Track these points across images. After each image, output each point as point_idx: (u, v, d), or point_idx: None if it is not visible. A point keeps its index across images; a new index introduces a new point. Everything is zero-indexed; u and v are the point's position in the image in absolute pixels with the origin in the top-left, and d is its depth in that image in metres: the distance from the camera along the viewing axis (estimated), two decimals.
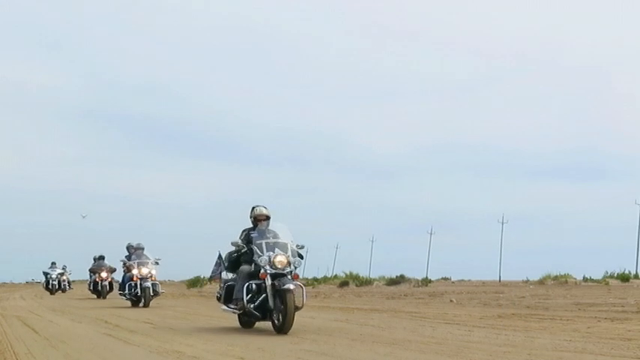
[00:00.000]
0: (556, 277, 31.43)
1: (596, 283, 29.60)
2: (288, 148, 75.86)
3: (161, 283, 19.29)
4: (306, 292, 9.84)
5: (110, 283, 26.12)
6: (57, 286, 32.16)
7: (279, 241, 10.11)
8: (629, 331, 9.19)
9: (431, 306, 16.45)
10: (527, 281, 33.94)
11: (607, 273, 31.76)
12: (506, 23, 71.27)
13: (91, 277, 26.74)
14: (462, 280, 43.55)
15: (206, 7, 72.12)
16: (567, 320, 11.06)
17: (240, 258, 10.49)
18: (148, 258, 18.87)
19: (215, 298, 11.45)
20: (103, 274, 25.87)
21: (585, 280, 31.30)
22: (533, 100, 69.28)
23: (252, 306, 9.87)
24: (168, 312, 15.69)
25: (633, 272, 34.45)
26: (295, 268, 10.02)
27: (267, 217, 10.59)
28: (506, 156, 71.17)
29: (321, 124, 72.06)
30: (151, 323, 12.08)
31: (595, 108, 66.59)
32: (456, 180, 70.61)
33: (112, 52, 72.84)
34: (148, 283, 18.26)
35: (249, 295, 9.90)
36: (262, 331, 10.05)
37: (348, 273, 36.54)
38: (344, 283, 34.73)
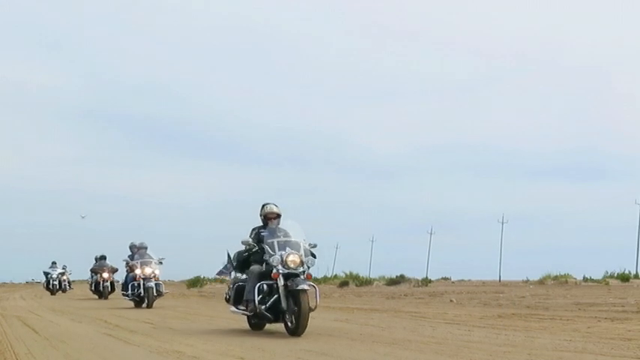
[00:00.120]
0: (556, 277, 31.42)
1: (596, 283, 29.60)
2: (288, 148, 75.87)
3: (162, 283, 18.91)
4: (319, 292, 9.54)
5: (112, 284, 25.89)
6: (58, 286, 31.93)
7: (291, 239, 9.76)
8: (629, 331, 9.18)
9: (431, 306, 16.45)
10: (527, 281, 33.93)
11: (607, 273, 31.79)
12: (506, 23, 71.28)
13: (92, 277, 26.51)
14: (462, 280, 43.55)
15: (206, 7, 72.12)
16: (567, 320, 11.06)
17: (250, 258, 10.14)
18: (151, 257, 18.53)
19: (224, 300, 11.08)
20: (105, 275, 25.60)
21: (585, 280, 31.30)
22: (533, 100, 69.30)
23: (263, 307, 9.49)
24: (169, 312, 15.69)
25: (633, 272, 34.46)
26: (308, 267, 9.61)
27: (278, 215, 10.26)
28: (506, 156, 71.19)
29: (321, 124, 72.07)
30: (151, 323, 12.08)
31: (595, 108, 66.60)
32: (456, 180, 70.63)
33: (112, 52, 72.85)
34: (152, 283, 17.91)
35: (260, 297, 9.54)
36: (262, 331, 10.05)
37: (348, 273, 36.55)
38: (344, 283, 34.72)
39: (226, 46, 71.70)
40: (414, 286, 32.57)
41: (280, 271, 9.39)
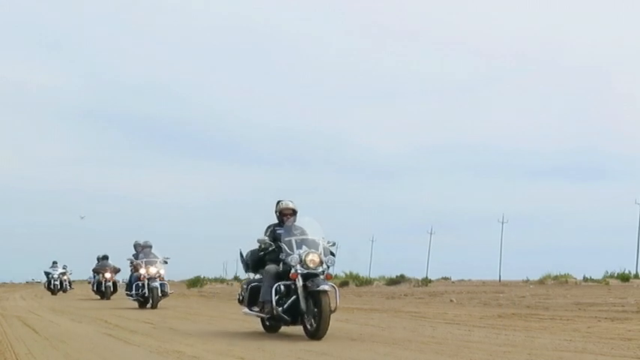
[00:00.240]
0: (556, 277, 31.42)
1: (596, 283, 29.59)
2: (288, 148, 75.92)
3: None
4: (339, 293, 9.12)
5: (114, 284, 25.60)
6: (59, 286, 31.54)
7: (309, 237, 9.27)
8: (630, 330, 9.19)
9: (431, 306, 16.45)
10: (527, 281, 33.93)
11: (607, 273, 31.77)
12: (506, 23, 71.33)
13: (94, 277, 26.14)
14: (462, 280, 43.55)
15: (206, 7, 72.18)
16: (567, 320, 11.06)
17: (266, 257, 9.65)
18: (156, 257, 18.09)
19: (236, 301, 10.42)
20: (107, 275, 25.23)
21: (585, 279, 31.29)
22: (533, 100, 69.35)
23: (280, 309, 9.04)
24: (169, 312, 15.68)
25: (633, 272, 34.45)
26: (328, 267, 9.19)
27: (294, 212, 9.77)
28: (506, 156, 71.24)
29: (321, 124, 72.14)
30: (151, 323, 12.08)
31: (595, 108, 66.65)
32: (456, 180, 70.69)
33: (112, 52, 72.93)
34: (156, 283, 17.48)
35: (277, 298, 9.08)
36: (262, 331, 10.04)
37: (348, 273, 36.57)
38: (344, 283, 34.73)
39: (226, 46, 71.77)
40: (414, 286, 32.58)
41: (299, 271, 8.94)
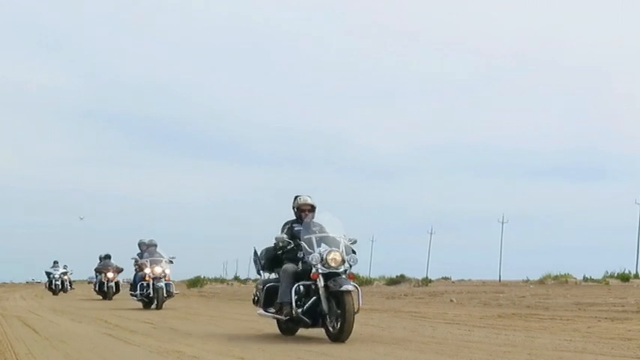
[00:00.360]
0: (556, 277, 31.41)
1: (596, 283, 29.58)
2: (288, 148, 76.00)
3: None
4: (362, 294, 8.64)
5: (117, 284, 25.19)
6: (60, 286, 30.97)
7: (330, 235, 8.81)
8: (630, 330, 9.19)
9: (431, 306, 16.45)
10: (527, 281, 33.93)
11: (607, 273, 31.74)
12: (506, 23, 71.41)
13: (96, 276, 25.72)
14: (462, 280, 43.55)
15: (206, 7, 72.25)
16: (567, 320, 11.06)
17: (283, 255, 9.16)
18: (161, 256, 17.62)
19: (251, 302, 9.86)
20: (110, 274, 24.79)
21: (585, 279, 31.28)
22: (533, 100, 69.41)
23: (300, 311, 8.61)
24: (169, 312, 15.68)
25: (633, 272, 34.43)
26: (350, 266, 8.68)
27: (313, 208, 9.26)
28: (506, 156, 71.32)
29: (321, 124, 72.23)
30: (151, 323, 12.08)
31: (595, 108, 66.71)
32: (456, 180, 70.77)
33: (112, 52, 73.04)
34: (161, 283, 17.04)
35: (296, 298, 8.65)
36: (262, 331, 10.05)
37: None
38: None
39: (226, 46, 71.84)
40: (414, 286, 32.58)
41: (320, 271, 8.48)
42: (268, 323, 9.89)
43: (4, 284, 57.06)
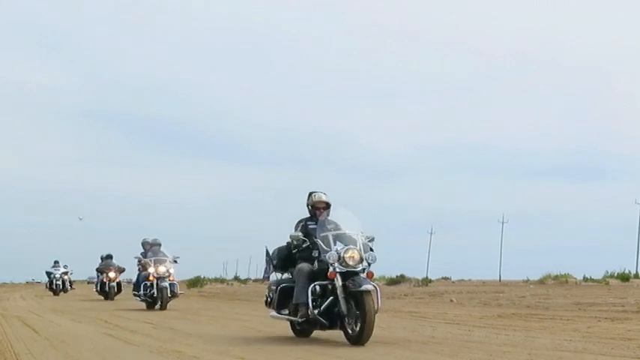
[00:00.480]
0: (556, 277, 31.42)
1: (596, 283, 29.59)
2: (288, 148, 76.12)
3: None
4: (381, 293, 8.34)
5: (119, 284, 24.95)
6: (61, 286, 30.45)
7: (346, 232, 8.48)
8: (630, 330, 9.19)
9: (431, 306, 16.45)
10: (527, 281, 33.94)
11: (607, 273, 31.78)
12: (506, 23, 71.51)
13: (98, 277, 25.47)
14: (462, 280, 43.61)
15: (206, 7, 72.36)
16: (567, 320, 11.06)
17: (297, 254, 8.88)
18: (165, 255, 17.27)
19: (264, 303, 9.47)
20: (111, 274, 24.50)
21: (585, 279, 31.29)
22: (533, 100, 69.51)
23: (317, 312, 8.27)
24: (169, 312, 15.69)
25: (633, 272, 34.46)
26: (369, 264, 8.34)
27: (327, 205, 8.96)
28: (506, 156, 71.46)
29: (321, 124, 72.36)
30: (151, 323, 12.08)
31: (595, 108, 66.83)
32: (456, 180, 70.92)
33: (112, 52, 73.21)
34: (166, 283, 16.68)
35: (312, 299, 8.31)
36: (262, 331, 10.05)
37: None
38: None
39: (226, 46, 71.93)
40: (414, 285, 32.59)
41: (337, 270, 8.14)
42: (268, 323, 9.88)
43: (4, 284, 57.06)
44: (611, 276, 31.18)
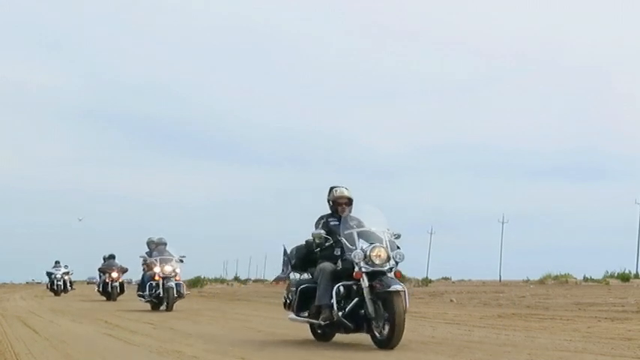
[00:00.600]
0: (556, 277, 31.42)
1: (596, 283, 29.59)
2: (288, 148, 76.16)
3: None
4: (408, 294, 7.77)
5: (121, 284, 24.65)
6: (62, 287, 29.81)
7: (370, 229, 8.00)
8: (630, 330, 9.19)
9: (431, 306, 16.44)
10: (527, 281, 33.95)
11: (607, 273, 31.78)
12: (506, 23, 71.56)
13: (100, 277, 25.21)
14: (462, 280, 43.59)
15: (206, 7, 72.39)
16: (567, 320, 11.06)
17: (318, 253, 8.34)
18: (171, 255, 16.73)
19: (282, 305, 8.95)
20: (114, 274, 24.17)
21: (585, 279, 31.29)
22: (533, 100, 69.54)
23: (341, 314, 7.78)
24: (169, 312, 15.68)
25: (633, 272, 34.48)
26: (397, 263, 7.87)
27: (350, 201, 8.46)
28: (506, 156, 71.49)
29: (321, 124, 72.39)
30: (151, 323, 12.08)
31: (595, 108, 66.86)
32: (456, 180, 70.95)
33: (112, 52, 73.25)
34: (172, 283, 16.15)
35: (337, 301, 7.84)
36: (262, 331, 10.05)
37: None
38: None
39: (226, 46, 71.95)
40: (414, 286, 32.56)
41: (364, 270, 7.68)
42: (268, 323, 9.87)
43: (4, 285, 57.03)
44: (611, 276, 31.18)
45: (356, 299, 7.73)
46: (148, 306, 16.83)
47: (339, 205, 8.44)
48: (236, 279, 54.14)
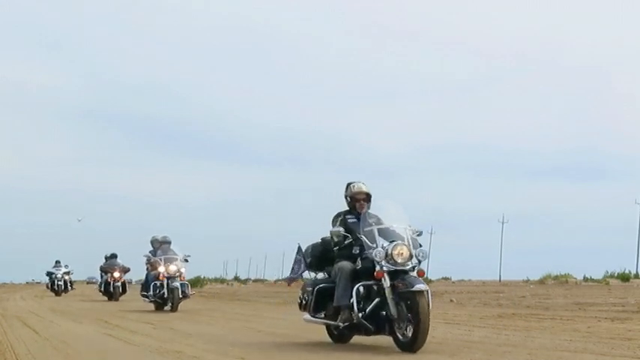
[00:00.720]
0: (556, 277, 31.42)
1: (596, 283, 29.59)
2: (288, 148, 76.20)
3: None
4: (431, 294, 7.42)
5: (123, 284, 24.37)
6: (63, 287, 29.39)
7: (391, 226, 7.68)
8: (630, 330, 9.19)
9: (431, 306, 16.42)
10: (527, 281, 33.94)
11: (607, 273, 31.78)
12: (506, 23, 71.60)
13: (102, 276, 24.97)
14: (462, 280, 43.58)
15: (206, 7, 72.44)
16: (567, 320, 11.07)
17: (336, 252, 7.99)
18: (175, 254, 16.36)
19: (298, 306, 8.55)
20: (116, 274, 23.88)
21: (585, 279, 31.29)
22: (533, 100, 69.57)
23: (361, 315, 7.46)
24: (169, 312, 15.68)
25: (633, 272, 34.47)
26: (420, 261, 7.53)
27: (368, 197, 8.12)
28: (506, 156, 71.52)
29: (321, 124, 72.42)
30: (151, 323, 12.08)
31: (595, 108, 66.90)
32: (456, 180, 70.98)
33: (112, 52, 73.32)
34: (177, 283, 15.79)
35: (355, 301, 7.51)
36: (261, 331, 10.05)
37: None
38: None
39: (226, 46, 71.99)
40: None
41: (385, 269, 7.33)
42: (268, 323, 9.86)
43: (4, 284, 57.01)
44: (612, 276, 31.17)
45: (377, 300, 7.41)
46: (150, 306, 16.62)
47: (357, 201, 8.11)
48: (236, 279, 54.14)
